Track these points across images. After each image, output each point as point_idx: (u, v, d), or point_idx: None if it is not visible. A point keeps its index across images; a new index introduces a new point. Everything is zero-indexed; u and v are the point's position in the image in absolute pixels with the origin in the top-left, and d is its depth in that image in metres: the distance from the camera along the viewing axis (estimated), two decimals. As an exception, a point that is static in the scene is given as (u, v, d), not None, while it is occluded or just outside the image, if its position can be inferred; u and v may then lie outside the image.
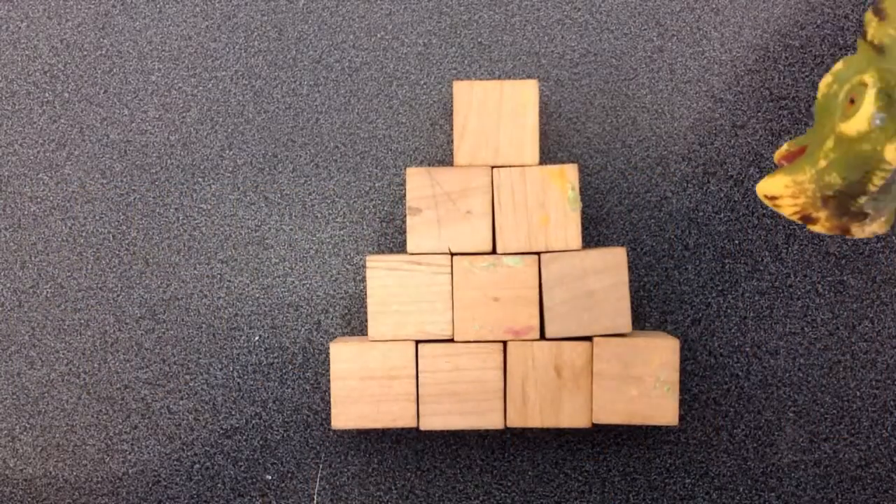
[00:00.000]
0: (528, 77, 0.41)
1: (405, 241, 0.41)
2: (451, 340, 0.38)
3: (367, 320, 0.41)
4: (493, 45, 0.41)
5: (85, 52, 0.42)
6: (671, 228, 0.41)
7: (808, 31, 0.41)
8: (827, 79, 0.32)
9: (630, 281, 0.41)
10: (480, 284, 0.38)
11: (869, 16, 0.32)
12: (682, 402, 0.41)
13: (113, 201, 0.42)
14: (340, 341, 0.39)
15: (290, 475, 0.42)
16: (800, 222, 0.32)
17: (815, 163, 0.31)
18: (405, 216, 0.41)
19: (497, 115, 0.38)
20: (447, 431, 0.42)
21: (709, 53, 0.41)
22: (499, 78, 0.41)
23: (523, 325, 0.38)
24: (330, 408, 0.41)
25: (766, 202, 0.32)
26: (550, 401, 0.38)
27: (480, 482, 0.42)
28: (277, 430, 0.42)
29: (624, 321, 0.38)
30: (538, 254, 0.38)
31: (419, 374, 0.38)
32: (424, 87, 0.42)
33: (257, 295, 0.42)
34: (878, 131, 0.30)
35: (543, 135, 0.41)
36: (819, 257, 0.41)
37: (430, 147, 0.42)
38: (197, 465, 0.42)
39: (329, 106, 0.42)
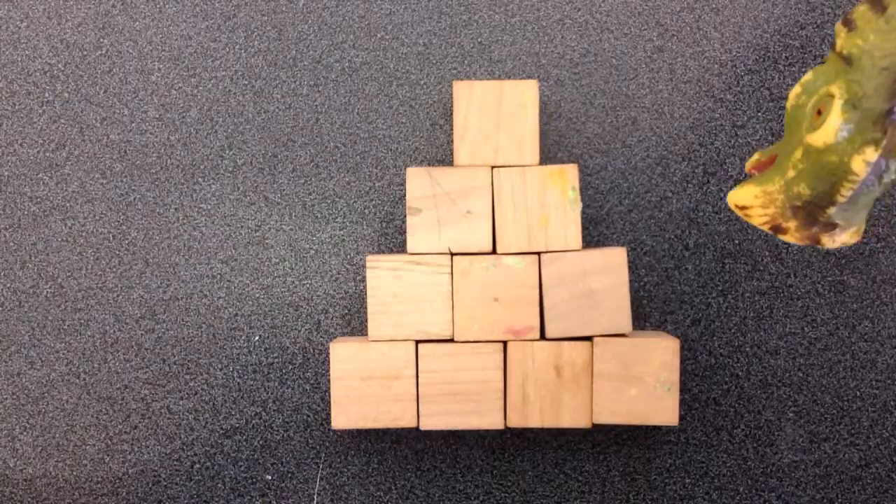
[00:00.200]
0: (528, 77, 0.41)
1: (405, 241, 0.41)
2: (451, 340, 0.38)
3: (367, 320, 0.41)
4: (493, 45, 0.41)
5: (85, 52, 0.42)
6: (671, 228, 0.41)
7: (808, 31, 0.41)
8: (796, 89, 0.32)
9: (630, 281, 0.41)
10: (480, 284, 0.38)
11: (839, 26, 0.32)
12: (682, 402, 0.41)
13: (113, 201, 0.42)
14: (340, 341, 0.39)
15: (290, 475, 0.42)
16: (770, 232, 0.32)
17: (784, 173, 0.31)
18: (405, 216, 0.41)
19: (497, 115, 0.38)
20: (447, 431, 0.42)
21: (709, 53, 0.41)
22: (499, 78, 0.41)
23: (523, 325, 0.38)
24: (330, 408, 0.41)
25: (737, 212, 0.32)
26: (550, 401, 0.38)
27: (480, 482, 0.42)
28: (277, 430, 0.42)
29: (624, 321, 0.38)
30: (538, 254, 0.38)
31: (419, 374, 0.38)
32: (424, 87, 0.42)
33: (257, 295, 0.42)
34: (845, 143, 0.30)
35: (543, 135, 0.41)
36: (819, 257, 0.41)
37: (430, 147, 0.42)
38: (197, 465, 0.42)
39: (329, 106, 0.42)
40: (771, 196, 0.31)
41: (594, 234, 0.42)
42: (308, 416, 0.42)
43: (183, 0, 0.42)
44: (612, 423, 0.38)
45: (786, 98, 0.41)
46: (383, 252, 0.42)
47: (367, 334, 0.41)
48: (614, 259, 0.38)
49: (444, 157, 0.42)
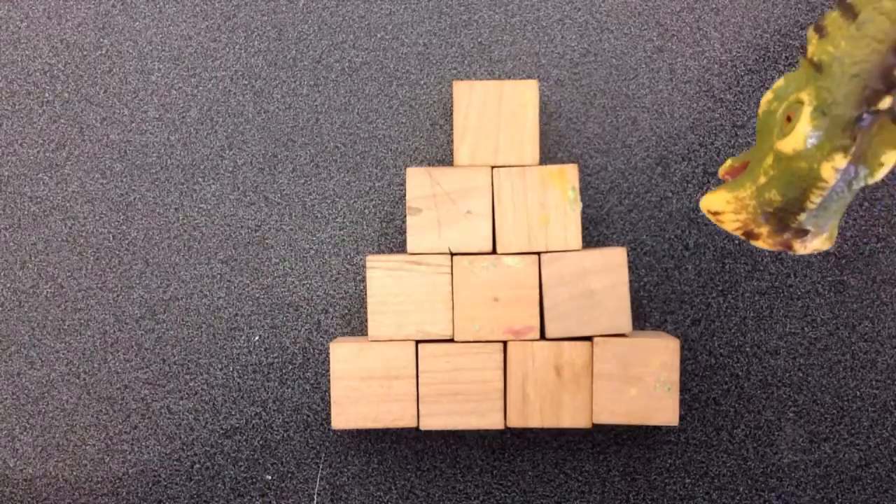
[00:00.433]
0: (528, 77, 0.41)
1: (405, 241, 0.41)
2: (451, 340, 0.38)
3: (367, 320, 0.41)
4: (493, 45, 0.41)
5: (85, 52, 0.42)
6: (671, 228, 0.41)
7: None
8: (768, 95, 0.32)
9: (630, 281, 0.41)
10: (480, 284, 0.38)
11: (811, 32, 0.32)
12: (682, 402, 0.41)
13: (113, 201, 0.42)
14: (340, 341, 0.39)
15: (290, 475, 0.42)
16: (743, 237, 0.32)
17: (756, 179, 0.31)
18: (405, 216, 0.41)
19: (497, 115, 0.38)
20: (447, 431, 0.42)
21: (709, 53, 0.41)
22: (499, 78, 0.41)
23: (523, 325, 0.38)
24: (330, 408, 0.41)
25: (710, 217, 0.33)
26: (550, 401, 0.38)
27: (480, 482, 0.42)
28: (277, 430, 0.42)
29: (624, 321, 0.38)
30: (538, 254, 0.38)
31: (419, 374, 0.38)
32: (424, 87, 0.42)
33: (257, 295, 0.42)
34: (814, 149, 0.30)
35: (543, 135, 0.41)
36: (819, 257, 0.41)
37: (430, 147, 0.42)
38: (197, 465, 0.42)
39: (329, 106, 0.42)
40: (743, 202, 0.32)
41: (594, 234, 0.42)
42: (308, 416, 0.42)
43: (183, 0, 0.42)
44: (612, 423, 0.38)
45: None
46: (383, 252, 0.42)
47: (367, 334, 0.41)
48: (614, 259, 0.38)
49: (444, 157, 0.42)
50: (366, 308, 0.42)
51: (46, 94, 0.42)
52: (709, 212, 0.32)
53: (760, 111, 0.33)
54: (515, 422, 0.38)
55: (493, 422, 0.38)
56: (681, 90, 0.41)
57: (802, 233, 0.31)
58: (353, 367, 0.38)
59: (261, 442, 0.42)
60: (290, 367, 0.42)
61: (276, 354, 0.42)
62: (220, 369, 0.42)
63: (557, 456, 0.42)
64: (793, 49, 0.41)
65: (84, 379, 0.42)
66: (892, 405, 0.41)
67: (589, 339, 0.38)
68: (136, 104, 0.42)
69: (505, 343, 0.38)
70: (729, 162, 0.33)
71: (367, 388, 0.38)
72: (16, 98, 0.42)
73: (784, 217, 0.31)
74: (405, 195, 0.41)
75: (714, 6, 0.41)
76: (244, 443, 0.42)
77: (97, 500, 0.42)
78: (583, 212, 0.41)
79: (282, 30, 0.42)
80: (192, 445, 0.42)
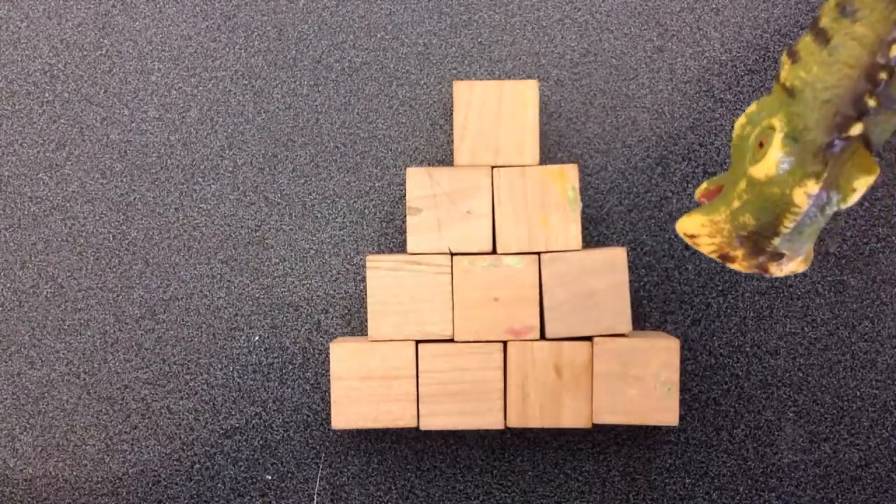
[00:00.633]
0: (528, 77, 0.41)
1: (405, 241, 0.41)
2: (451, 340, 0.38)
3: (367, 320, 0.41)
4: (493, 45, 0.41)
5: (85, 52, 0.42)
6: (671, 228, 0.41)
7: (808, 31, 0.41)
8: (741, 120, 0.32)
9: (630, 281, 0.41)
10: (480, 284, 0.38)
11: (784, 57, 0.32)
12: (682, 402, 0.41)
13: (113, 201, 0.42)
14: (340, 341, 0.39)
15: (290, 475, 0.42)
16: (719, 260, 0.32)
17: (730, 203, 0.31)
18: (405, 216, 0.41)
19: (497, 115, 0.38)
20: (447, 431, 0.42)
21: (709, 53, 0.41)
22: (499, 78, 0.41)
23: (523, 325, 0.38)
24: (330, 408, 0.41)
25: (686, 239, 0.33)
26: (550, 401, 0.38)
27: (480, 482, 0.42)
28: (277, 430, 0.42)
29: (624, 321, 0.38)
30: (538, 254, 0.38)
31: (419, 374, 0.38)
32: (424, 87, 0.42)
33: (257, 295, 0.42)
34: (786, 175, 0.30)
35: (543, 135, 0.41)
36: (819, 257, 0.41)
37: (430, 147, 0.42)
38: (197, 465, 0.42)
39: (329, 106, 0.42)
40: (717, 225, 0.32)
41: (594, 234, 0.42)
42: (308, 416, 0.42)
43: (183, 0, 0.42)
44: (612, 423, 0.38)
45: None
46: (383, 252, 0.42)
47: (367, 334, 0.41)
48: (614, 259, 0.38)
49: (444, 157, 0.42)
50: (366, 308, 0.42)
51: (46, 94, 0.42)
52: (685, 234, 0.32)
53: (734, 135, 0.33)
54: (515, 422, 0.38)
55: (493, 422, 0.38)
56: (681, 90, 0.41)
57: (778, 256, 0.31)
58: (353, 367, 0.38)
59: (261, 442, 0.42)
60: (290, 367, 0.42)
61: (276, 354, 0.42)
62: (220, 369, 0.42)
63: (557, 456, 0.42)
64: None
65: (84, 379, 0.42)
66: (892, 405, 0.41)
67: (589, 339, 0.38)
68: (136, 104, 0.42)
69: (505, 343, 0.38)
70: (704, 185, 0.34)
71: (367, 388, 0.38)
72: (16, 98, 0.42)
73: (758, 241, 0.31)
74: (405, 195, 0.41)
75: (714, 6, 0.41)
76: (244, 443, 0.42)
77: (97, 500, 0.42)
78: (583, 212, 0.41)
79: (282, 30, 0.42)
80: (192, 445, 0.42)
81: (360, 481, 0.42)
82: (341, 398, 0.38)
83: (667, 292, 0.41)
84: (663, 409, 0.38)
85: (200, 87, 0.42)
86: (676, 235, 0.41)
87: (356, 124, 0.42)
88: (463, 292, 0.38)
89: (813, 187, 0.30)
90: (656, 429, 0.42)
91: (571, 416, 0.38)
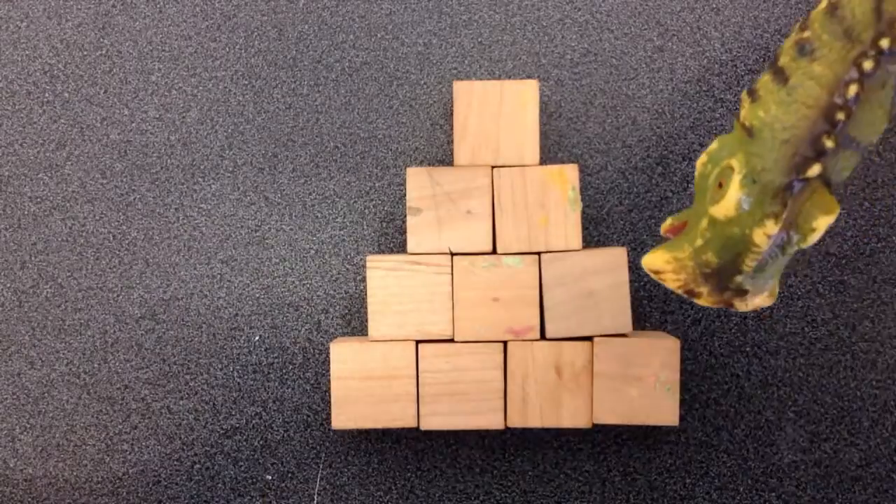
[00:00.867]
0: (528, 77, 0.41)
1: (405, 241, 0.41)
2: (452, 340, 0.38)
3: (367, 320, 0.41)
4: (493, 45, 0.41)
5: (85, 52, 0.42)
6: (671, 228, 0.41)
7: (808, 31, 0.41)
8: (702, 158, 0.32)
9: (630, 281, 0.41)
10: (480, 284, 0.38)
11: (744, 95, 0.32)
12: (682, 402, 0.41)
13: (113, 201, 0.42)
14: (340, 341, 0.39)
15: (290, 475, 0.42)
16: (685, 296, 0.32)
17: (693, 241, 0.31)
18: (405, 216, 0.41)
19: (497, 115, 0.38)
20: (447, 431, 0.42)
21: (709, 53, 0.41)
22: (499, 78, 0.41)
23: (523, 325, 0.38)
24: (330, 408, 0.41)
25: (652, 275, 0.33)
26: (550, 401, 0.38)
27: (480, 482, 0.42)
28: (277, 430, 0.42)
29: (624, 321, 0.38)
30: (538, 254, 0.38)
31: (419, 374, 0.38)
32: (424, 87, 0.42)
33: (257, 295, 0.42)
34: (746, 215, 0.30)
35: (543, 135, 0.41)
36: (819, 257, 0.41)
37: (430, 147, 0.42)
38: (197, 465, 0.42)
39: (329, 106, 0.42)
40: (682, 262, 0.32)
41: (594, 234, 0.42)
42: (308, 416, 0.42)
43: (183, 0, 0.42)
44: (612, 423, 0.38)
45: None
46: (383, 252, 0.42)
47: (367, 334, 0.41)
48: (614, 259, 0.38)
49: (444, 157, 0.42)
50: (366, 308, 0.42)
51: (46, 94, 0.42)
52: (650, 270, 0.32)
53: (696, 173, 0.33)
54: (515, 422, 0.38)
55: (493, 422, 0.38)
56: (681, 90, 0.41)
57: (742, 292, 0.31)
58: (353, 367, 0.38)
59: (261, 442, 0.42)
60: (290, 367, 0.42)
61: (276, 354, 0.42)
62: (220, 369, 0.42)
63: (557, 456, 0.42)
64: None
65: (84, 379, 0.42)
66: (892, 405, 0.41)
67: (589, 339, 0.38)
68: (136, 104, 0.42)
69: (505, 343, 0.38)
70: (669, 220, 0.34)
71: (367, 388, 0.38)
72: (16, 98, 0.42)
73: (722, 278, 0.31)
74: (405, 195, 0.41)
75: (714, 6, 0.41)
76: (244, 443, 0.42)
77: (97, 500, 0.42)
78: (583, 212, 0.41)
79: (282, 30, 0.42)
80: (192, 445, 0.42)
81: (360, 481, 0.42)
82: (341, 398, 0.38)
83: (667, 292, 0.41)
84: (663, 409, 0.38)
85: (200, 87, 0.42)
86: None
87: (356, 124, 0.42)
88: (463, 292, 0.38)
89: (772, 228, 0.30)
90: (656, 429, 0.42)
91: (571, 416, 0.38)
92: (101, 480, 0.42)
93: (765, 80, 0.31)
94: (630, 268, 0.41)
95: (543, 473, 0.42)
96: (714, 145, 0.32)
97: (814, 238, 0.30)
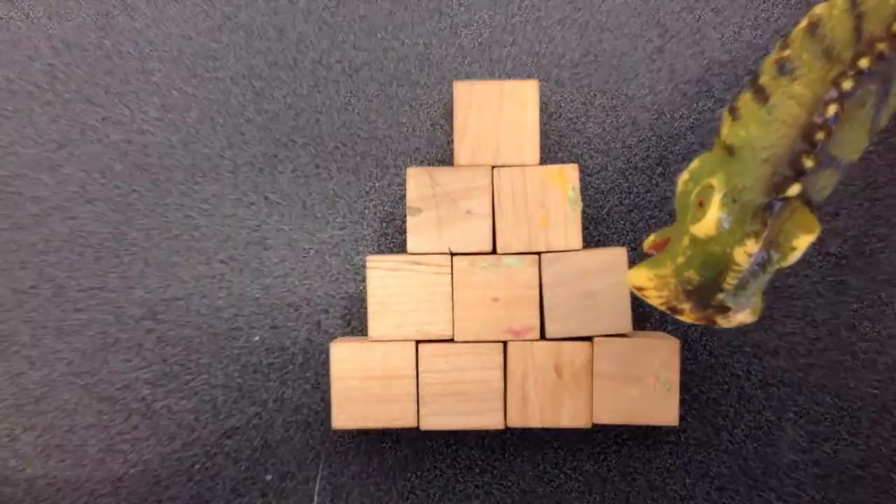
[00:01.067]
0: (528, 77, 0.41)
1: (405, 241, 0.41)
2: (452, 340, 0.38)
3: (367, 320, 0.41)
4: (493, 45, 0.41)
5: (85, 52, 0.42)
6: (671, 228, 0.41)
7: (808, 31, 0.41)
8: (684, 176, 0.32)
9: (630, 281, 0.41)
10: (480, 284, 0.38)
11: (725, 113, 0.32)
12: (682, 402, 0.41)
13: (113, 201, 0.42)
14: (340, 341, 0.39)
15: (290, 475, 0.42)
16: (668, 312, 0.32)
17: (675, 258, 0.31)
18: (405, 216, 0.41)
19: (497, 115, 0.38)
20: (447, 431, 0.42)
21: (709, 53, 0.41)
22: (499, 78, 0.41)
23: (523, 325, 0.38)
24: (330, 408, 0.41)
25: (635, 292, 0.33)
26: (550, 401, 0.38)
27: (480, 482, 0.42)
28: (277, 430, 0.42)
29: (624, 321, 0.38)
30: (538, 254, 0.38)
31: (419, 374, 0.38)
32: (424, 87, 0.42)
33: (257, 295, 0.42)
34: (727, 234, 0.30)
35: (544, 135, 0.41)
36: (819, 257, 0.41)
37: (430, 147, 0.42)
38: (197, 465, 0.42)
39: (329, 106, 0.42)
40: (664, 280, 0.32)
41: (594, 234, 0.42)
42: (308, 416, 0.42)
43: (183, 0, 0.42)
44: (612, 423, 0.38)
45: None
46: (383, 252, 0.42)
47: (367, 334, 0.41)
48: (614, 259, 0.38)
49: (444, 157, 0.42)
50: (366, 308, 0.42)
51: (46, 94, 0.42)
52: (633, 287, 0.32)
53: (678, 191, 0.32)
54: (515, 422, 0.38)
55: (493, 422, 0.38)
56: (681, 90, 0.41)
57: (724, 309, 0.31)
58: (353, 367, 0.38)
59: (261, 442, 0.42)
60: (290, 367, 0.42)
61: (276, 354, 0.42)
62: (220, 369, 0.42)
63: (557, 456, 0.42)
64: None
65: (84, 379, 0.42)
66: (892, 405, 0.41)
67: (589, 339, 0.38)
68: (136, 104, 0.42)
69: (505, 343, 0.38)
70: (651, 237, 0.34)
71: (367, 388, 0.38)
72: (16, 98, 0.42)
73: (704, 295, 0.31)
74: (405, 195, 0.41)
75: (714, 6, 0.41)
76: (244, 443, 0.42)
77: (97, 500, 0.42)
78: (583, 212, 0.41)
79: (282, 30, 0.42)
80: (192, 445, 0.42)
81: (360, 481, 0.42)
82: (341, 398, 0.38)
83: (667, 292, 0.41)
84: (663, 409, 0.38)
85: (200, 87, 0.42)
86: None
87: (356, 124, 0.42)
88: (463, 292, 0.38)
89: (752, 247, 0.30)
90: (656, 429, 0.42)
91: (571, 416, 0.38)
92: (101, 480, 0.42)
93: (745, 99, 0.31)
94: (630, 268, 0.41)
95: (543, 473, 0.42)
96: (695, 163, 0.32)
97: (794, 257, 0.30)
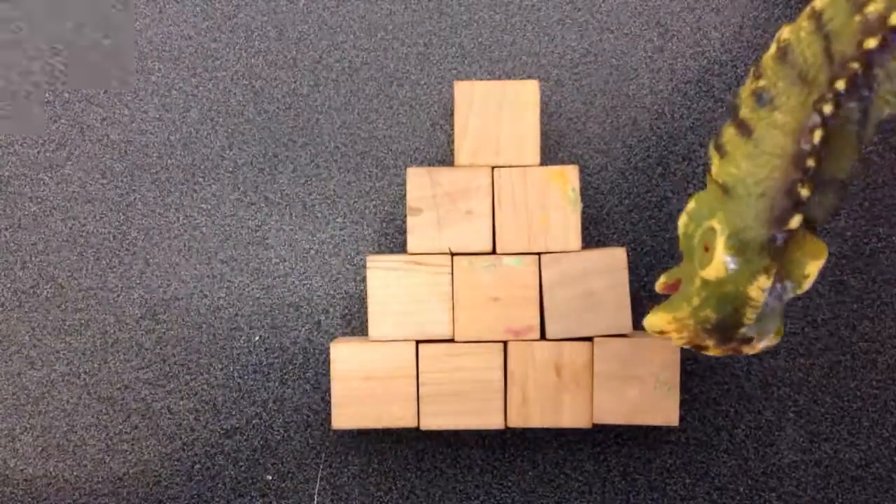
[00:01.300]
0: (529, 77, 0.41)
1: (405, 241, 0.41)
2: (452, 340, 0.38)
3: (367, 320, 0.41)
4: (493, 45, 0.41)
5: (85, 52, 0.42)
6: (671, 228, 0.41)
7: (809, 31, 0.41)
8: (683, 218, 0.32)
9: (630, 281, 0.41)
10: (480, 285, 0.38)
11: (711, 150, 0.32)
12: (682, 402, 0.41)
13: (113, 201, 0.42)
14: (340, 341, 0.39)
15: (290, 475, 0.42)
16: (693, 349, 0.32)
17: (690, 300, 0.31)
18: (405, 216, 0.41)
19: (498, 115, 0.38)
20: (447, 431, 0.42)
21: (709, 53, 0.41)
22: (499, 78, 0.41)
23: (523, 326, 0.38)
24: (330, 408, 0.41)
25: (656, 336, 0.33)
26: (550, 401, 0.38)
27: (480, 482, 0.42)
28: (277, 430, 0.42)
29: (624, 321, 0.38)
30: (538, 254, 0.38)
31: (419, 375, 0.38)
32: (425, 87, 0.42)
33: (257, 295, 0.42)
34: (737, 274, 0.30)
35: (544, 135, 0.41)
36: (819, 257, 0.41)
37: (430, 147, 0.42)
38: (197, 465, 0.42)
39: (329, 106, 0.42)
40: (682, 322, 0.31)
41: (594, 234, 0.42)
42: (308, 416, 0.42)
43: (183, 0, 0.42)
44: (612, 423, 0.38)
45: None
46: (383, 252, 0.42)
47: (367, 334, 0.41)
48: (614, 259, 0.38)
49: (444, 157, 0.42)
50: (366, 308, 0.42)
51: (46, 95, 0.42)
52: (653, 331, 0.32)
53: (679, 232, 0.32)
54: (515, 422, 0.38)
55: (493, 422, 0.38)
56: (681, 90, 0.41)
57: (747, 340, 0.31)
58: (353, 367, 0.38)
59: (261, 442, 0.42)
60: (290, 367, 0.42)
61: (276, 354, 0.42)
62: (220, 369, 0.42)
63: (557, 456, 0.42)
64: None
65: (84, 379, 0.42)
66: (892, 405, 0.41)
67: (589, 339, 0.38)
68: (136, 104, 0.42)
69: (505, 343, 0.38)
70: (663, 278, 0.34)
71: (367, 388, 0.38)
72: (16, 98, 0.42)
73: (725, 331, 0.31)
74: (405, 195, 0.41)
75: (714, 6, 0.41)
76: (244, 443, 0.42)
77: (97, 500, 0.42)
78: (583, 212, 0.41)
79: (282, 30, 0.42)
80: (192, 445, 0.42)
81: (360, 481, 0.42)
82: (341, 398, 0.38)
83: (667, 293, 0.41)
84: (663, 409, 0.38)
85: (200, 87, 0.42)
86: (676, 235, 0.41)
87: (356, 124, 0.42)
88: (463, 292, 0.38)
89: (765, 282, 0.30)
90: (656, 429, 0.42)
91: (571, 416, 0.38)
92: (101, 480, 0.42)
93: (730, 134, 0.31)
94: (630, 268, 0.41)
95: (543, 473, 0.42)
96: (692, 204, 0.32)
97: (808, 284, 0.30)
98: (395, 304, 0.38)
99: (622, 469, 0.42)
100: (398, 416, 0.38)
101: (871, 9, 0.29)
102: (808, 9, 0.31)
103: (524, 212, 0.38)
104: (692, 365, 0.41)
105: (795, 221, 0.29)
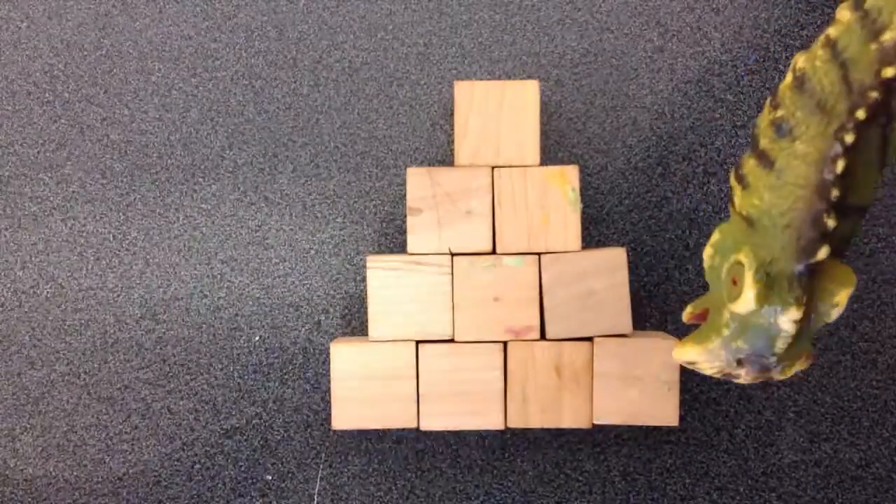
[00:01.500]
0: (529, 77, 0.41)
1: (405, 241, 0.41)
2: (452, 341, 0.38)
3: (367, 320, 0.41)
4: (493, 45, 0.41)
5: (85, 52, 0.42)
6: (671, 228, 0.41)
7: (809, 31, 0.41)
8: (708, 250, 0.32)
9: (630, 281, 0.41)
10: (480, 285, 0.38)
11: (733, 182, 0.31)
12: (682, 402, 0.41)
13: (113, 201, 0.42)
14: (340, 341, 0.39)
15: (290, 475, 0.42)
16: (724, 379, 0.32)
17: (720, 331, 0.31)
18: (405, 216, 0.41)
19: (498, 115, 0.38)
20: (447, 431, 0.42)
21: (709, 53, 0.41)
22: (499, 78, 0.41)
23: (523, 326, 0.38)
24: (330, 408, 0.41)
25: (687, 366, 0.32)
26: (551, 401, 0.38)
27: (480, 482, 0.42)
28: (277, 431, 0.42)
29: (624, 321, 0.38)
30: (538, 254, 0.38)
31: (419, 375, 0.38)
32: (425, 87, 0.42)
33: (257, 295, 0.42)
34: (767, 307, 0.30)
35: (544, 135, 0.41)
36: (819, 257, 0.41)
37: (430, 147, 0.42)
38: (197, 465, 0.42)
39: (329, 106, 0.42)
40: (713, 352, 0.31)
41: (594, 234, 0.42)
42: (308, 416, 0.42)
43: (183, 0, 0.42)
44: (612, 423, 0.38)
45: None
46: (383, 252, 0.42)
47: (367, 334, 0.41)
48: (614, 259, 0.38)
49: (444, 157, 0.42)
50: (366, 308, 0.42)
51: (46, 94, 0.42)
52: (683, 363, 0.32)
53: (705, 265, 0.32)
54: (515, 422, 0.38)
55: (493, 422, 0.38)
56: (681, 90, 0.41)
57: (779, 367, 0.31)
58: (353, 367, 0.38)
59: (261, 442, 0.42)
60: (290, 367, 0.42)
61: (276, 354, 0.42)
62: (220, 369, 0.42)
63: (557, 456, 0.42)
64: (792, 49, 0.41)
65: (84, 379, 0.42)
66: (892, 405, 0.41)
67: (589, 339, 0.38)
68: (136, 104, 0.42)
69: (505, 343, 0.38)
70: (689, 308, 0.33)
71: (367, 388, 0.38)
72: (16, 98, 0.42)
73: (757, 359, 0.31)
74: (405, 195, 0.41)
75: (714, 6, 0.41)
76: (244, 443, 0.42)
77: (97, 500, 0.42)
78: (583, 212, 0.41)
79: (282, 30, 0.42)
80: (192, 445, 0.42)
81: (360, 481, 0.42)
82: (341, 398, 0.38)
83: (667, 292, 0.41)
84: (663, 409, 0.38)
85: (200, 87, 0.42)
86: (676, 235, 0.41)
87: (356, 124, 0.42)
88: (463, 292, 0.38)
89: (796, 314, 0.29)
90: (656, 429, 0.42)
91: (571, 417, 0.38)
92: (101, 480, 0.42)
93: (751, 165, 0.31)
94: (630, 268, 0.41)
95: (543, 473, 0.42)
96: (716, 236, 0.32)
97: (838, 312, 0.30)
98: (394, 305, 0.38)
99: (622, 469, 0.42)
100: (398, 416, 0.38)
101: (888, 37, 0.29)
102: (822, 37, 0.30)
103: (524, 212, 0.38)
104: (692, 365, 0.41)
105: (823, 252, 0.29)
